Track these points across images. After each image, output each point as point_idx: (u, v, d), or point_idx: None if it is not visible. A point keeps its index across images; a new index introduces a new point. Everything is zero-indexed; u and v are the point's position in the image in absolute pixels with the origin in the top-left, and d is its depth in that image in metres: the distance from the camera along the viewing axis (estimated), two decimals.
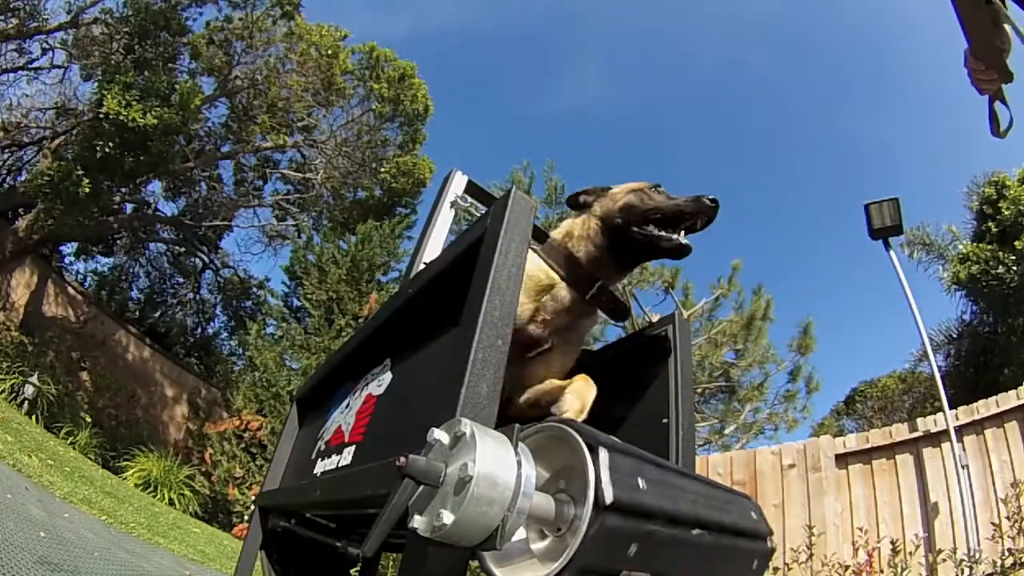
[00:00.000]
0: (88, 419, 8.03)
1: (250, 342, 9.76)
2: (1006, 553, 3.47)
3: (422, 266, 1.58)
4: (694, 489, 0.64)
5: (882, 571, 3.78)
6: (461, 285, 0.83)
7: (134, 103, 7.74)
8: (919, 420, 4.46)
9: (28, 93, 10.92)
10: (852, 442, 4.62)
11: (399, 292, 1.28)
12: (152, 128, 7.85)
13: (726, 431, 8.50)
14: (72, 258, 12.86)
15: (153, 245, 13.87)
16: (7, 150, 11.20)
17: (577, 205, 1.27)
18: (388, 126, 12.06)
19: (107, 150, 7.83)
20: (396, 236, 11.14)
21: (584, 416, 1.07)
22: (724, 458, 5.13)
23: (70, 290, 10.66)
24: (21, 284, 9.65)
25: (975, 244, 8.79)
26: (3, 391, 6.99)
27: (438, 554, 0.63)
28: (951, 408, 4.26)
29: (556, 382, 1.17)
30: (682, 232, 1.13)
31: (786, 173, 30.47)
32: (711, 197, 1.13)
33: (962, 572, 3.41)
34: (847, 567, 3.79)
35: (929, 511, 4.09)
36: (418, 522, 0.54)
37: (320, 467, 1.32)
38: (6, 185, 11.23)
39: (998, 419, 4.11)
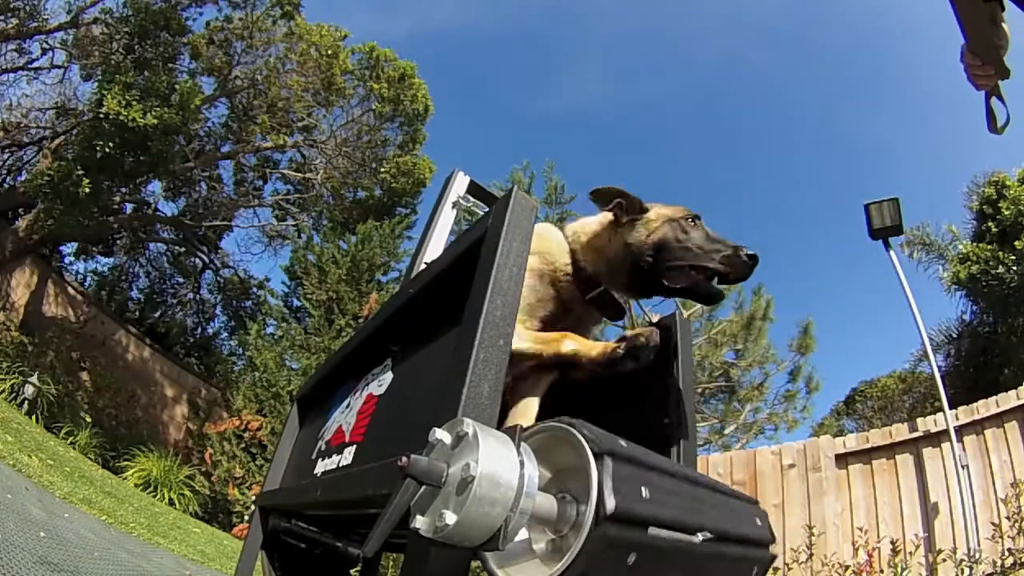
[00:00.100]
0: (88, 419, 8.03)
1: (250, 342, 9.76)
2: (1006, 553, 3.47)
3: (423, 266, 1.58)
4: (698, 495, 0.64)
5: (882, 571, 3.77)
6: (462, 285, 0.83)
7: (134, 103, 7.74)
8: (919, 420, 4.46)
9: (28, 93, 10.94)
10: (852, 442, 4.62)
11: (400, 292, 1.28)
12: (152, 128, 7.85)
13: (726, 431, 8.50)
14: (72, 258, 12.88)
15: (153, 245, 13.87)
16: (7, 150, 11.20)
17: (607, 206, 1.14)
18: (388, 126, 12.06)
19: (107, 150, 7.83)
20: (396, 236, 11.14)
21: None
22: (724, 458, 5.13)
23: (70, 290, 10.65)
24: (21, 284, 9.65)
25: (975, 244, 8.79)
26: (3, 391, 6.99)
27: (440, 554, 0.63)
28: (951, 408, 4.26)
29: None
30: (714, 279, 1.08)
31: (786, 173, 30.50)
32: (750, 253, 1.05)
33: (962, 572, 3.41)
34: (847, 567, 3.79)
35: (929, 511, 4.09)
36: (420, 522, 0.54)
37: (321, 467, 1.32)
38: (6, 185, 11.23)
39: (998, 419, 4.11)
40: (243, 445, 8.55)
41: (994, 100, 1.19)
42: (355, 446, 1.15)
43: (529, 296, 1.08)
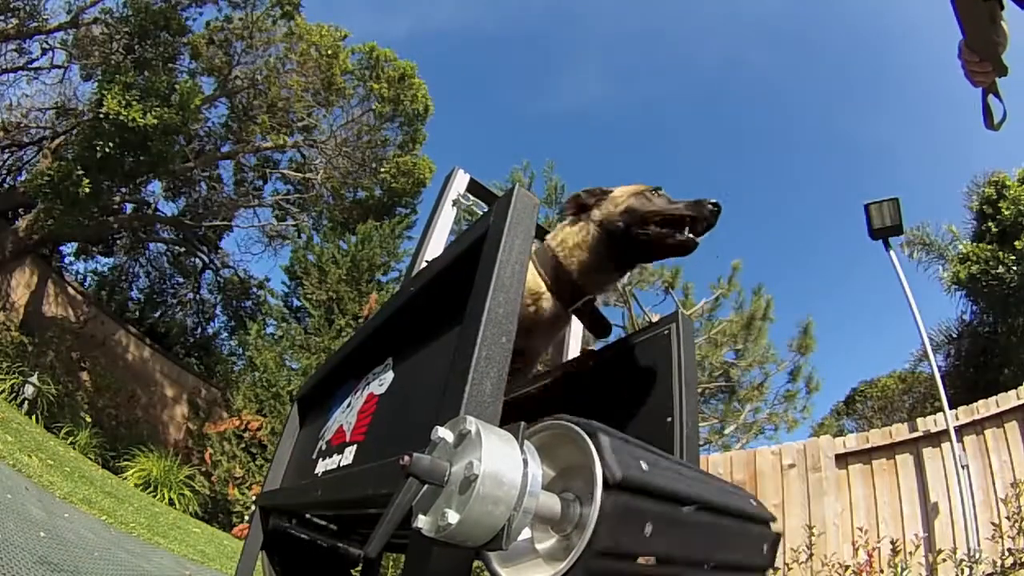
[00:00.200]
0: (88, 419, 8.02)
1: (250, 342, 9.76)
2: (1006, 553, 3.47)
3: (424, 264, 1.58)
4: (694, 475, 0.64)
5: (882, 571, 3.77)
6: (464, 283, 0.83)
7: (134, 103, 7.74)
8: (919, 420, 4.46)
9: (28, 93, 10.94)
10: (852, 442, 4.62)
11: (401, 290, 1.28)
12: (152, 128, 7.85)
13: (726, 431, 8.50)
14: (72, 258, 12.89)
15: (153, 245, 13.87)
16: (7, 150, 11.19)
17: (579, 207, 1.24)
18: (388, 126, 12.07)
19: (107, 150, 7.83)
20: (396, 236, 11.14)
21: None
22: (724, 458, 5.13)
23: (70, 290, 10.65)
24: (21, 284, 9.65)
25: (975, 244, 8.79)
26: (3, 391, 6.99)
27: (442, 554, 0.63)
28: (951, 408, 4.25)
29: None
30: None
31: (786, 173, 30.51)
32: (712, 201, 1.12)
33: (962, 572, 3.41)
34: (847, 567, 3.79)
35: (929, 511, 4.08)
36: (422, 522, 0.53)
37: (321, 467, 1.31)
38: (6, 185, 11.23)
39: (998, 419, 4.11)
40: (243, 445, 8.55)
41: (991, 97, 1.20)
42: (356, 446, 1.15)
43: None
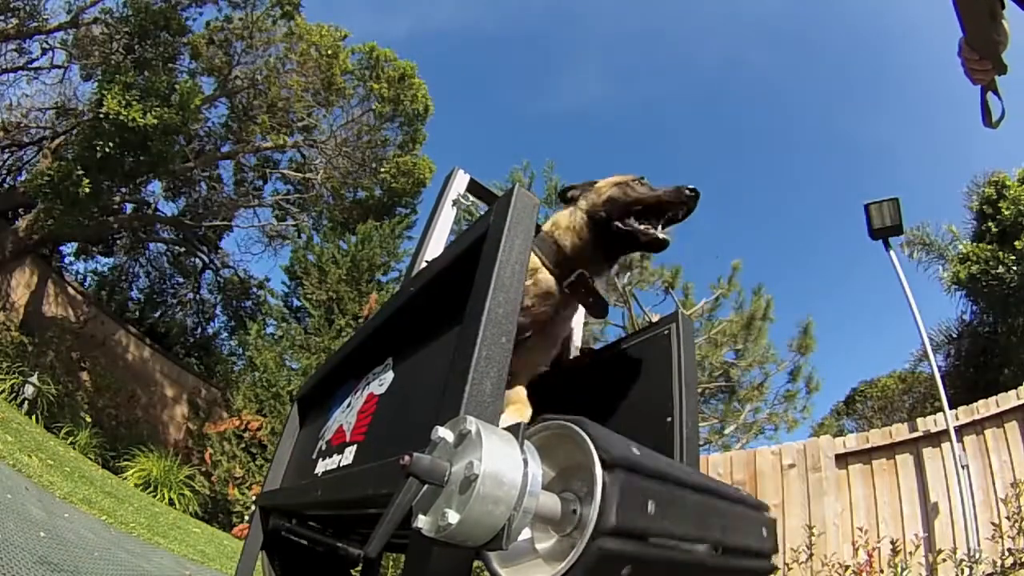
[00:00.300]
0: (88, 419, 8.02)
1: (250, 342, 9.75)
2: (1006, 553, 3.47)
3: (424, 264, 1.58)
4: (705, 505, 0.63)
5: (882, 571, 3.77)
6: (464, 283, 0.83)
7: (134, 103, 7.74)
8: (919, 420, 4.45)
9: (28, 93, 10.94)
10: (852, 442, 4.62)
11: (401, 291, 1.28)
12: (152, 128, 7.84)
13: (726, 431, 8.49)
14: (72, 258, 12.89)
15: (153, 245, 13.87)
16: (7, 150, 11.19)
17: (566, 199, 1.31)
18: (388, 126, 12.06)
19: (107, 150, 7.83)
20: (396, 236, 11.14)
21: None
22: (724, 458, 5.12)
23: (70, 290, 10.65)
24: (21, 284, 9.64)
25: (975, 244, 8.79)
26: (3, 391, 6.99)
27: (442, 554, 0.63)
28: (951, 408, 4.25)
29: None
30: (660, 226, 1.17)
31: (786, 173, 30.50)
32: (690, 187, 1.16)
33: (962, 572, 3.41)
34: (847, 567, 3.78)
35: (929, 511, 4.08)
36: (422, 522, 0.53)
37: (321, 467, 1.31)
38: (6, 185, 11.23)
39: (998, 419, 4.11)
40: (243, 445, 8.55)
41: (990, 95, 1.20)
42: (356, 446, 1.15)
43: None
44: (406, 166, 11.86)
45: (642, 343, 1.23)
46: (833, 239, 29.43)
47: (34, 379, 7.29)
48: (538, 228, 1.29)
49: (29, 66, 10.67)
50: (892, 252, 5.32)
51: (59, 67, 10.78)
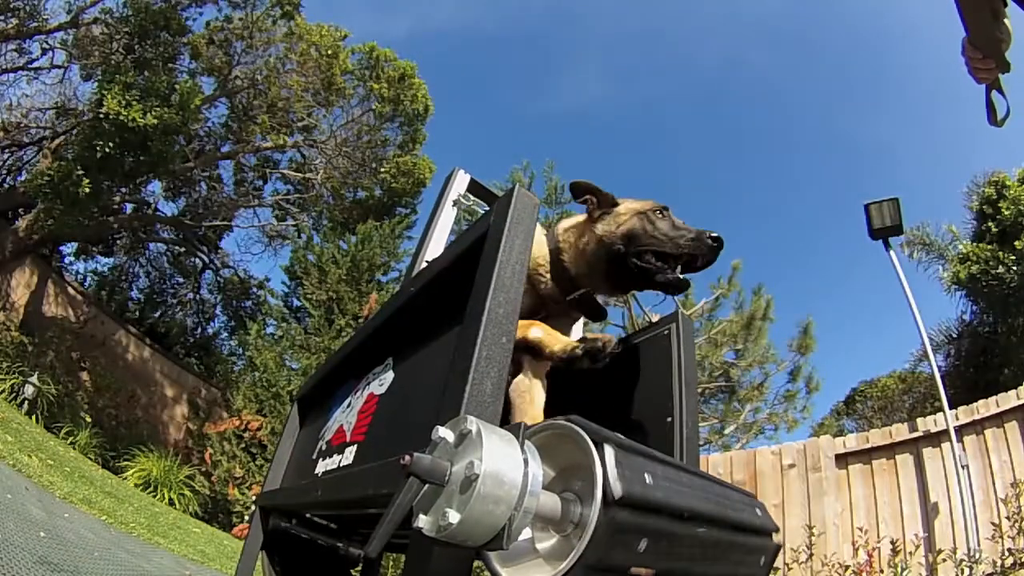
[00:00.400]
0: (88, 419, 8.02)
1: (250, 342, 9.75)
2: (1006, 553, 3.47)
3: (424, 264, 1.58)
4: (700, 485, 0.64)
5: (882, 571, 3.77)
6: (464, 283, 0.83)
7: (134, 103, 7.74)
8: (919, 420, 4.45)
9: (28, 93, 10.93)
10: (852, 442, 4.62)
11: (401, 291, 1.28)
12: (152, 128, 7.84)
13: (726, 431, 8.49)
14: (72, 258, 12.88)
15: (153, 245, 13.87)
16: (7, 150, 11.19)
17: (580, 198, 1.21)
18: (388, 126, 12.06)
19: (107, 150, 7.83)
20: (396, 236, 11.13)
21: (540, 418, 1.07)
22: (724, 458, 5.12)
23: (70, 290, 10.65)
24: (21, 284, 9.64)
25: (975, 244, 8.78)
26: (3, 391, 6.98)
27: (443, 554, 0.63)
28: (951, 408, 4.25)
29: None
30: (679, 269, 1.12)
31: (786, 173, 30.51)
32: (714, 236, 1.10)
33: (962, 572, 3.41)
34: (847, 567, 3.78)
35: (929, 511, 4.08)
36: (423, 522, 0.53)
37: (321, 467, 1.31)
38: (6, 185, 11.22)
39: (998, 419, 4.11)
40: (243, 445, 8.55)
41: (994, 93, 1.20)
42: (356, 446, 1.15)
43: None
44: (406, 166, 11.86)
45: (642, 343, 1.23)
46: (833, 239, 29.48)
47: (34, 379, 7.29)
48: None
49: (29, 66, 10.67)
50: (892, 252, 5.33)
51: (59, 67, 10.78)
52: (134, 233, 12.72)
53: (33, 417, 7.02)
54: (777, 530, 0.75)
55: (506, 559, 0.57)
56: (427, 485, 0.54)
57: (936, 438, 4.25)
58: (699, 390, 8.27)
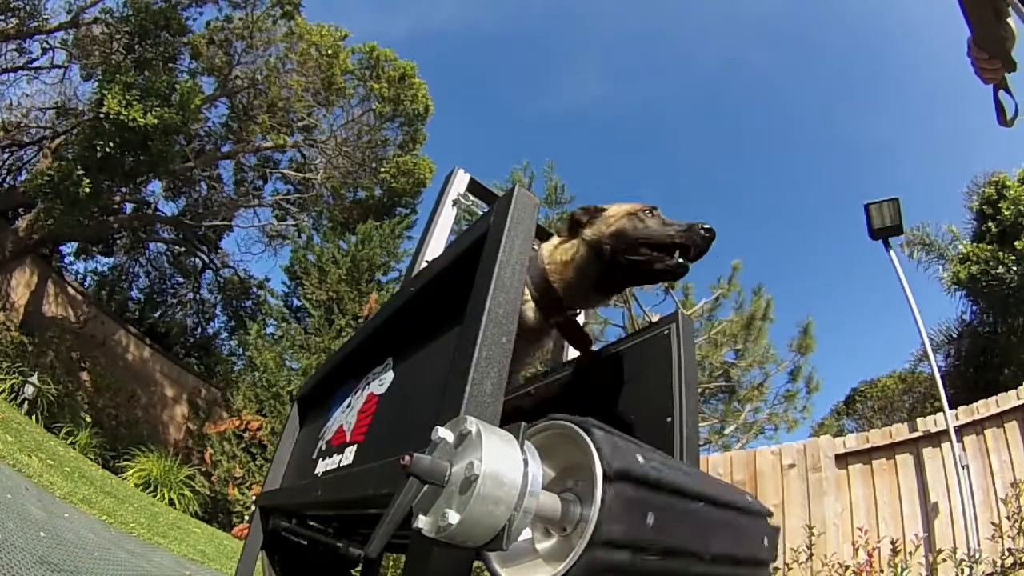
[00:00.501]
0: (88, 419, 8.02)
1: (250, 342, 9.75)
2: (1006, 553, 3.47)
3: (424, 264, 1.58)
4: (707, 517, 0.63)
5: (882, 571, 3.77)
6: (464, 283, 0.83)
7: (134, 103, 7.74)
8: (919, 420, 4.45)
9: (28, 93, 10.94)
10: (852, 442, 4.62)
11: (401, 290, 1.28)
12: (152, 128, 7.84)
13: (726, 431, 8.49)
14: (72, 258, 12.89)
15: (153, 245, 13.87)
16: (7, 150, 11.19)
17: (573, 222, 1.22)
18: (388, 126, 12.06)
19: (107, 150, 7.83)
20: (396, 236, 11.14)
21: None
22: (724, 458, 5.12)
23: (70, 290, 10.65)
24: (21, 284, 9.64)
25: (975, 244, 8.78)
26: (3, 391, 6.99)
27: (442, 555, 0.63)
28: (951, 408, 4.25)
29: None
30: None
31: (786, 173, 30.51)
32: (706, 227, 1.10)
33: (962, 572, 3.41)
34: (847, 567, 3.78)
35: (929, 511, 4.08)
36: (423, 522, 0.53)
37: (321, 467, 1.31)
38: (6, 185, 11.22)
39: (998, 419, 4.10)
40: (243, 445, 8.55)
41: (1002, 93, 1.19)
42: (356, 446, 1.15)
43: None
44: (406, 166, 11.86)
45: (642, 343, 1.23)
46: (833, 239, 29.49)
47: (34, 379, 7.29)
48: (548, 234, 1.29)
49: (29, 66, 10.67)
50: (892, 252, 5.32)
51: (59, 67, 10.78)
52: (134, 233, 12.73)
53: (33, 417, 7.02)
54: (771, 513, 0.75)
55: (506, 559, 0.57)
56: (427, 485, 0.54)
57: (936, 438, 4.25)
58: (699, 390, 8.27)
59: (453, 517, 0.50)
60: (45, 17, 9.94)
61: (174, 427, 11.01)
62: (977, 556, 3.43)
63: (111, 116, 7.65)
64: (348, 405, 1.34)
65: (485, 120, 29.79)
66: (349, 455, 1.15)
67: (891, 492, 4.30)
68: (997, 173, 8.95)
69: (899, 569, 3.55)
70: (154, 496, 7.28)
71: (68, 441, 7.20)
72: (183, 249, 13.77)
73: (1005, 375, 7.84)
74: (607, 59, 32.17)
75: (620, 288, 1.21)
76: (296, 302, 10.66)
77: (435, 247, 1.68)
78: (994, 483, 3.93)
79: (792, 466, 4.61)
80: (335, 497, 1.05)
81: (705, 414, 8.45)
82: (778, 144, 30.67)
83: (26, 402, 7.11)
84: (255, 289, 13.95)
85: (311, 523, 1.57)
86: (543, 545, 0.58)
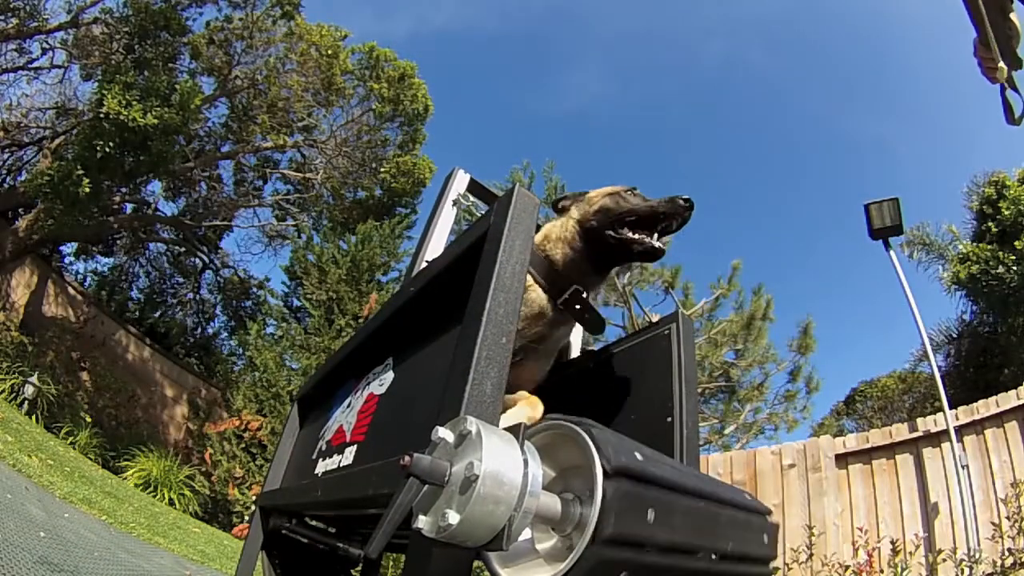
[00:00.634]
0: (88, 419, 8.02)
1: (250, 342, 9.75)
2: (1006, 553, 3.46)
3: (424, 264, 1.58)
4: (708, 514, 0.63)
5: (882, 571, 3.77)
6: (464, 283, 0.82)
7: (134, 103, 7.73)
8: (919, 420, 4.45)
9: (28, 93, 10.93)
10: (852, 442, 4.61)
11: (401, 291, 1.28)
12: (152, 128, 7.84)
13: (726, 431, 8.50)
14: (72, 258, 12.88)
15: (153, 245, 13.86)
16: (7, 150, 11.19)
17: (558, 210, 1.30)
18: (388, 126, 12.06)
19: (107, 150, 7.82)
20: (396, 236, 11.13)
21: None
22: (724, 458, 5.12)
23: (70, 290, 10.65)
24: (21, 284, 9.64)
25: (975, 244, 8.78)
26: (3, 391, 6.98)
27: (443, 555, 0.63)
28: (951, 408, 4.25)
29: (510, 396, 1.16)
30: (656, 235, 1.15)
31: (786, 173, 30.51)
32: (684, 197, 1.14)
33: (962, 572, 3.41)
34: (847, 567, 3.78)
35: (929, 511, 4.08)
36: (423, 522, 0.53)
37: (321, 467, 1.31)
38: (6, 185, 11.22)
39: (998, 419, 4.10)
40: (243, 445, 8.55)
41: (1009, 92, 1.19)
42: (356, 446, 1.15)
43: None
44: (406, 166, 11.86)
45: (642, 343, 1.23)
46: (833, 239, 29.52)
47: (34, 379, 7.29)
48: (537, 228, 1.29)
49: (29, 66, 10.67)
50: (892, 252, 5.32)
51: (59, 67, 10.78)
52: (134, 233, 12.72)
53: (33, 417, 7.02)
54: (770, 512, 0.75)
55: (506, 559, 0.57)
56: (427, 485, 0.54)
57: (936, 438, 4.25)
58: (699, 390, 8.27)
59: (453, 517, 0.50)
60: (45, 17, 9.94)
61: (174, 427, 11.01)
62: (977, 556, 3.43)
63: (111, 116, 7.64)
64: (348, 405, 1.34)
65: (485, 120, 29.82)
66: (349, 455, 1.15)
67: (891, 492, 4.30)
68: (997, 173, 8.95)
69: (899, 569, 3.55)
70: (154, 496, 7.28)
71: (68, 441, 7.20)
72: (183, 249, 13.76)
73: (1005, 375, 7.85)
74: (607, 59, 32.18)
75: (610, 264, 1.26)
76: (296, 302, 10.66)
77: (435, 247, 1.68)
78: (994, 483, 3.92)
79: (792, 466, 4.61)
80: (335, 497, 1.05)
81: (705, 414, 8.45)
82: (778, 144, 30.68)
83: (26, 402, 7.10)
84: (255, 289, 13.95)
85: (311, 523, 1.58)
86: (543, 545, 0.58)
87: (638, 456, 0.55)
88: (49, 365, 8.32)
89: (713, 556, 0.62)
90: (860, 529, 3.98)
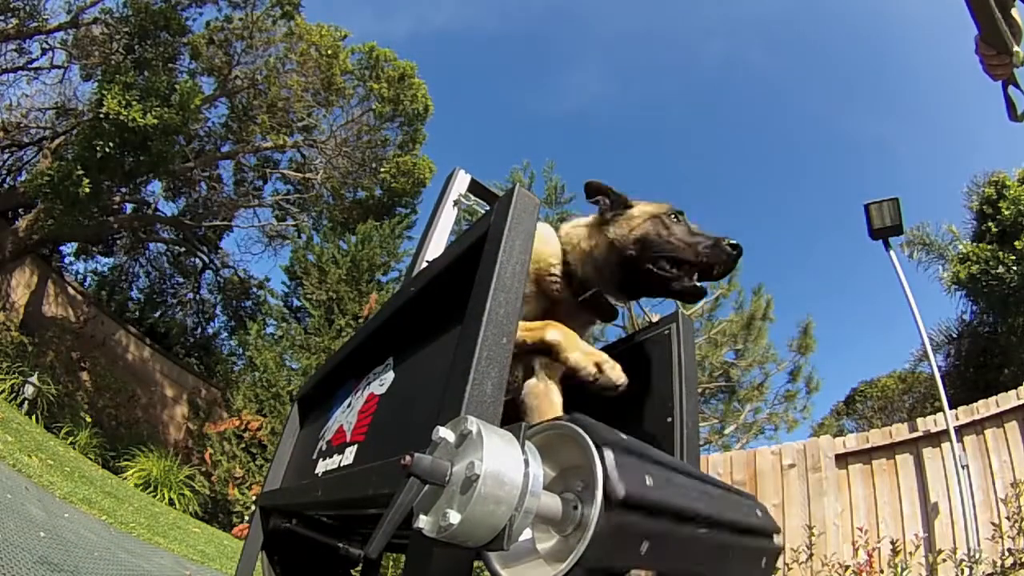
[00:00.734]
0: (88, 419, 8.02)
1: (250, 342, 9.75)
2: (1006, 553, 3.47)
3: (424, 264, 1.58)
4: (700, 488, 0.63)
5: (882, 571, 3.77)
6: (465, 282, 0.83)
7: (134, 103, 7.74)
8: (919, 420, 4.46)
9: (28, 93, 10.94)
10: (852, 442, 4.62)
11: (401, 290, 1.28)
12: (152, 128, 7.84)
13: (726, 431, 8.50)
14: (72, 258, 12.88)
15: (153, 245, 13.87)
16: (7, 150, 11.19)
17: (594, 201, 1.17)
18: (388, 126, 12.06)
19: (107, 150, 7.83)
20: (396, 236, 11.14)
21: None
22: (724, 458, 5.12)
23: (70, 290, 10.65)
24: (21, 284, 9.64)
25: (975, 244, 8.78)
26: (3, 391, 6.98)
27: (443, 555, 0.63)
28: (951, 408, 4.25)
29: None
30: (696, 275, 1.07)
31: (786, 173, 30.52)
32: (732, 243, 1.05)
33: (962, 572, 3.41)
34: (847, 567, 3.78)
35: (929, 511, 4.08)
36: (423, 522, 0.53)
37: (322, 467, 1.31)
38: (6, 185, 11.22)
39: (998, 419, 4.11)
40: (243, 445, 8.55)
41: (1012, 89, 1.19)
42: (356, 446, 1.15)
43: None
44: (406, 166, 11.86)
45: (642, 343, 1.23)
46: (833, 239, 29.53)
47: (34, 379, 7.29)
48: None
49: (29, 66, 10.67)
50: (892, 252, 5.32)
51: (59, 67, 10.78)
52: (134, 233, 12.72)
53: (33, 417, 7.02)
54: (779, 531, 0.75)
55: (506, 560, 0.57)
56: (427, 485, 0.53)
57: (936, 438, 4.25)
58: (699, 390, 8.27)
59: (454, 517, 0.50)
60: (45, 17, 9.94)
61: (174, 427, 11.01)
62: (977, 556, 3.43)
63: (111, 116, 7.64)
64: (348, 405, 1.34)
65: (485, 120, 29.84)
66: (349, 455, 1.15)
67: (891, 492, 4.31)
68: (997, 173, 8.95)
69: (899, 569, 3.55)
70: (154, 496, 7.28)
71: (68, 441, 7.20)
72: (183, 249, 13.77)
73: (1005, 375, 7.85)
74: (607, 59, 32.20)
75: (637, 295, 1.18)
76: (296, 302, 10.66)
77: (435, 247, 1.68)
78: (994, 483, 3.93)
79: (792, 466, 4.61)
80: (335, 497, 1.04)
81: (705, 414, 8.45)
82: (778, 144, 30.69)
83: (26, 402, 7.10)
84: (255, 289, 13.95)
85: (311, 523, 1.58)
86: (544, 545, 0.58)
87: (648, 481, 0.53)
88: (49, 365, 8.32)
89: (721, 524, 0.62)
90: (860, 529, 3.98)
